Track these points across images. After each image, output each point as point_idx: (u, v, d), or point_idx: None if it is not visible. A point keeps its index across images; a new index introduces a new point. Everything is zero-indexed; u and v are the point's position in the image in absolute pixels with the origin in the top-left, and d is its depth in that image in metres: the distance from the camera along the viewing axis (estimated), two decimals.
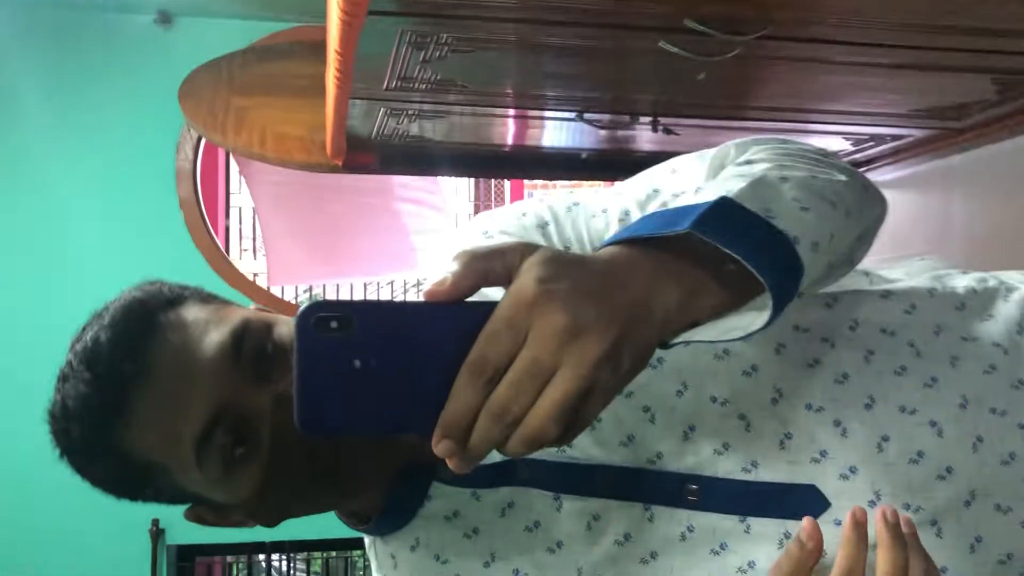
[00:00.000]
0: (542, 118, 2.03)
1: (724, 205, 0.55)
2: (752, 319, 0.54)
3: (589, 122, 1.93)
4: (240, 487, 0.68)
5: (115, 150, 2.95)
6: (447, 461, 0.49)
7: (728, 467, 0.68)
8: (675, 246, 0.54)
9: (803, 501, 0.67)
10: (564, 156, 2.43)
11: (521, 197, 7.19)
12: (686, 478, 0.69)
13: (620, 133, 2.15)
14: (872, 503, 0.66)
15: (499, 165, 2.55)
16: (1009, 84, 1.62)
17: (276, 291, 4.05)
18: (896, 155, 2.15)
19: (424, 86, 1.69)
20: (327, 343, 0.47)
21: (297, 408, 0.47)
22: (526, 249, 0.50)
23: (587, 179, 2.67)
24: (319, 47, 2.32)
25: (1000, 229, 1.92)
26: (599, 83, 1.75)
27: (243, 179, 3.65)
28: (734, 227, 0.53)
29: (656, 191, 0.73)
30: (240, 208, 5.36)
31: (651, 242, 0.54)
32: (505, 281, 0.50)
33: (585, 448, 0.70)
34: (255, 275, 5.40)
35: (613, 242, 0.56)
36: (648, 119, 1.93)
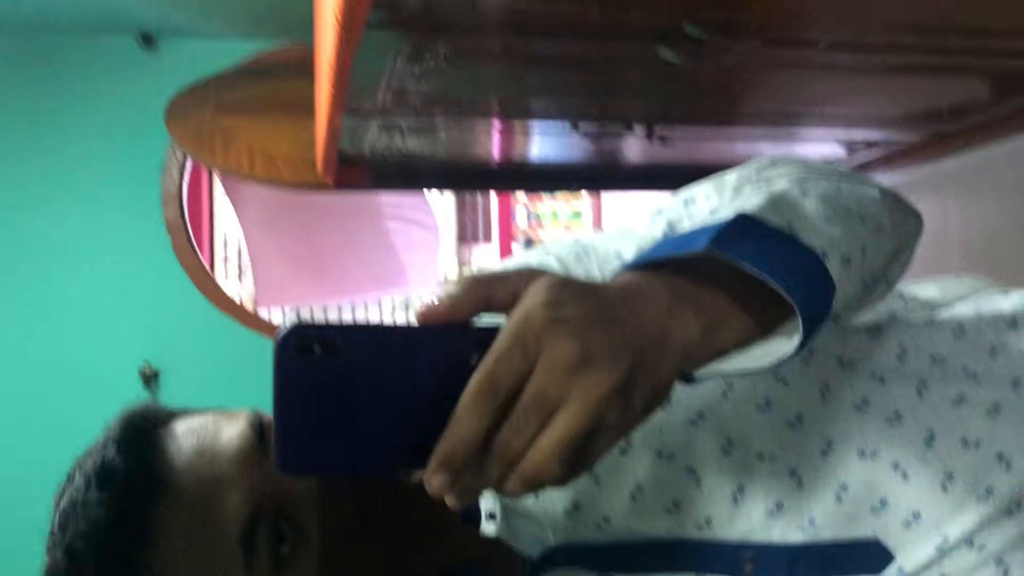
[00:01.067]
0: (534, 130, 2.01)
1: (743, 221, 0.51)
2: (782, 345, 0.50)
3: (583, 132, 1.92)
4: None
5: (99, 174, 2.92)
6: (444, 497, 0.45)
7: (783, 530, 0.64)
8: (693, 269, 0.51)
9: (866, 557, 0.63)
10: (554, 169, 2.42)
11: (509, 213, 7.18)
12: (740, 548, 0.64)
13: (611, 144, 2.14)
14: (940, 549, 0.62)
15: (490, 178, 2.53)
16: (1005, 85, 1.63)
17: (263, 314, 4.01)
18: (890, 160, 2.14)
19: (417, 100, 1.68)
20: (309, 370, 0.43)
21: (276, 444, 0.43)
22: (532, 274, 0.48)
23: (576, 190, 2.66)
24: (306, 66, 2.31)
25: (998, 234, 1.91)
26: (592, 93, 1.74)
27: (229, 202, 3.62)
28: (755, 244, 0.50)
29: (671, 224, 0.70)
30: (226, 232, 5.32)
31: (667, 266, 0.51)
32: (509, 308, 0.46)
33: (627, 519, 0.66)
34: (241, 299, 5.35)
35: (626, 268, 0.52)
36: (642, 128, 1.92)
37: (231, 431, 0.64)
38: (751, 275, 0.48)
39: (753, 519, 0.64)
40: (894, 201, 0.64)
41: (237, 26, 2.91)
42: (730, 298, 0.50)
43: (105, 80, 2.93)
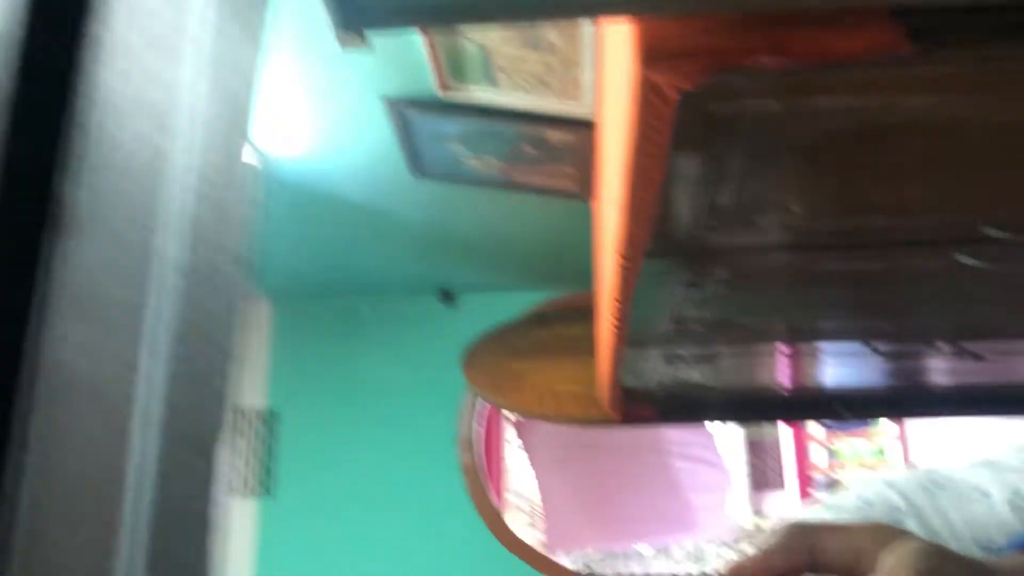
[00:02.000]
0: (825, 354, 1.93)
1: None
2: None
3: (879, 352, 1.81)
4: None
5: (403, 422, 3.15)
6: None
7: None
8: None
9: None
10: (851, 394, 2.28)
11: (804, 453, 6.77)
12: None
13: (913, 364, 1.99)
14: None
15: (780, 408, 2.43)
16: None
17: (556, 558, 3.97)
18: None
19: (700, 327, 1.68)
20: None
21: None
22: (885, 531, 0.37)
23: (877, 417, 2.47)
24: (588, 311, 2.43)
25: None
26: (886, 308, 1.66)
27: (522, 446, 3.74)
28: None
29: None
30: (518, 480, 5.45)
31: None
32: (844, 568, 0.36)
33: None
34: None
35: (1020, 546, 0.42)
36: (947, 344, 1.78)
37: None
38: None
39: None
40: None
41: (528, 279, 3.14)
42: None
43: (408, 335, 3.23)
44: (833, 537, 0.36)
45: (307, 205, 2.56)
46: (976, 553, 0.54)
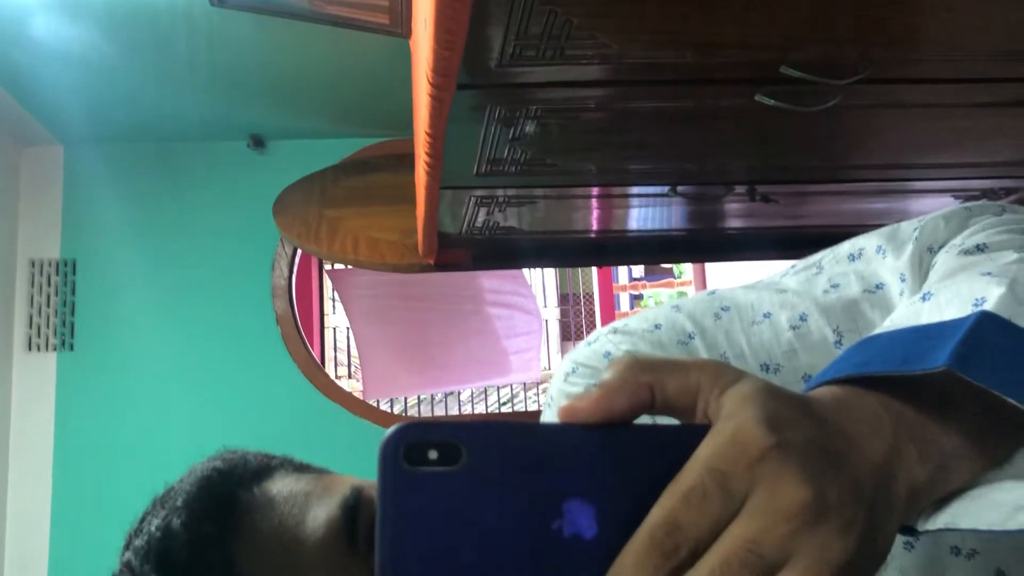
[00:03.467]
0: (632, 195, 1.99)
1: (987, 325, 0.39)
2: None
3: (682, 195, 1.88)
4: None
5: (213, 271, 3.03)
6: None
7: None
8: (912, 385, 0.39)
9: None
10: (654, 238, 2.38)
11: (611, 304, 7.12)
12: None
13: (711, 208, 2.09)
14: None
15: (590, 252, 2.51)
16: None
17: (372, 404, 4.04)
18: None
19: (514, 168, 1.68)
20: (423, 483, 0.33)
21: (379, 573, 0.33)
22: (722, 370, 0.35)
23: (677, 261, 2.61)
24: (406, 158, 2.38)
25: None
26: (690, 151, 1.71)
27: (336, 296, 3.71)
28: (1008, 360, 0.38)
29: (835, 285, 0.58)
30: (335, 328, 5.44)
31: (881, 380, 0.39)
32: (683, 408, 0.35)
33: None
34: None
35: (827, 379, 0.40)
36: (743, 188, 1.87)
37: (319, 512, 0.54)
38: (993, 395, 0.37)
39: None
40: None
41: (341, 125, 3.03)
42: (963, 428, 0.39)
43: (218, 182, 3.07)
44: (673, 376, 0.35)
45: (99, 42, 2.32)
46: (759, 374, 0.56)
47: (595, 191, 1.93)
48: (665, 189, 1.86)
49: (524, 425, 0.34)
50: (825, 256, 0.62)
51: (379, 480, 0.33)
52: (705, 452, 0.33)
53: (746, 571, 0.31)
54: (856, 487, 0.33)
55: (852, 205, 2.10)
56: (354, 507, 0.54)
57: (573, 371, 0.61)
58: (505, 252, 2.36)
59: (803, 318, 0.57)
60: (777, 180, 1.87)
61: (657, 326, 0.59)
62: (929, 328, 0.41)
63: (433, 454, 0.33)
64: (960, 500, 0.39)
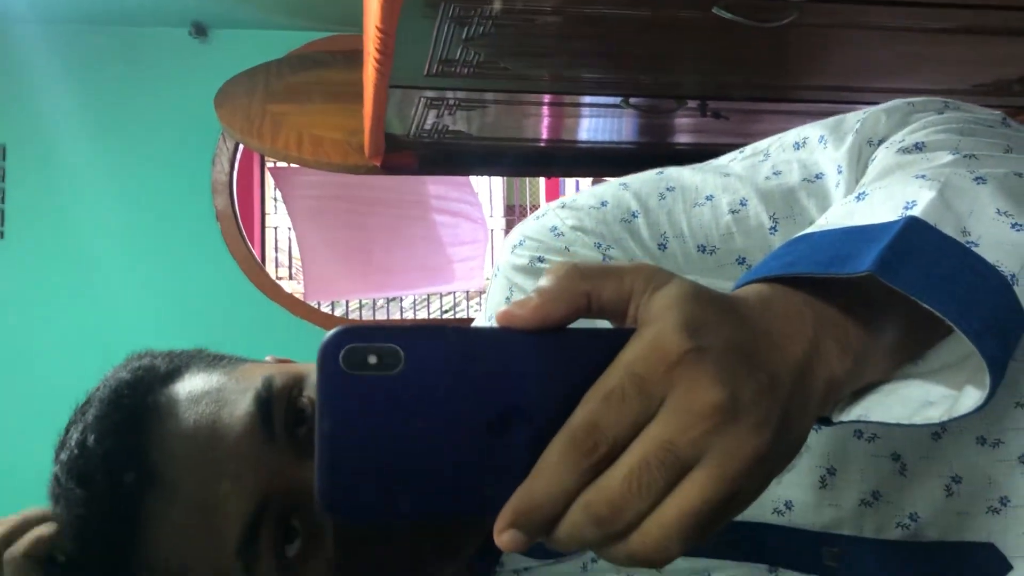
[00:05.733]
0: (584, 104, 1.97)
1: (913, 231, 0.40)
2: (944, 395, 0.40)
3: (634, 107, 1.87)
4: None
5: (151, 163, 2.94)
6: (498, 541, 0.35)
7: (878, 523, 0.53)
8: (838, 284, 0.40)
9: (976, 564, 0.51)
10: (603, 150, 2.37)
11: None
12: (822, 537, 0.54)
13: (662, 122, 2.09)
14: None
15: (538, 162, 2.50)
16: None
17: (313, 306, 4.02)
18: None
19: (466, 70, 1.65)
20: (362, 387, 0.33)
21: (319, 481, 0.33)
22: (653, 274, 0.36)
23: (625, 175, 2.61)
24: (355, 55, 2.31)
25: None
26: (644, 63, 1.69)
27: (279, 195, 3.64)
28: (930, 265, 0.39)
29: (778, 172, 0.59)
30: (276, 228, 5.36)
31: (808, 279, 0.40)
32: (617, 313, 0.36)
33: None
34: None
35: (755, 278, 0.41)
36: (695, 103, 1.87)
37: (233, 408, 0.54)
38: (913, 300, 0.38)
39: (843, 508, 0.54)
40: None
41: (288, 17, 2.92)
42: (884, 328, 0.40)
43: (158, 70, 2.95)
44: (609, 282, 0.36)
45: None
46: (695, 255, 0.58)
47: (547, 98, 1.91)
48: (617, 100, 1.85)
49: (462, 331, 0.35)
50: (772, 143, 0.63)
51: (318, 382, 0.33)
52: (626, 356, 0.34)
53: (662, 469, 0.33)
54: (772, 385, 0.35)
55: (801, 125, 2.12)
56: (267, 400, 0.54)
57: (520, 243, 0.62)
58: (453, 158, 2.33)
59: (743, 203, 0.58)
60: (729, 97, 1.87)
61: (603, 203, 0.60)
62: (858, 230, 0.42)
63: (372, 358, 0.33)
64: (873, 394, 0.41)
